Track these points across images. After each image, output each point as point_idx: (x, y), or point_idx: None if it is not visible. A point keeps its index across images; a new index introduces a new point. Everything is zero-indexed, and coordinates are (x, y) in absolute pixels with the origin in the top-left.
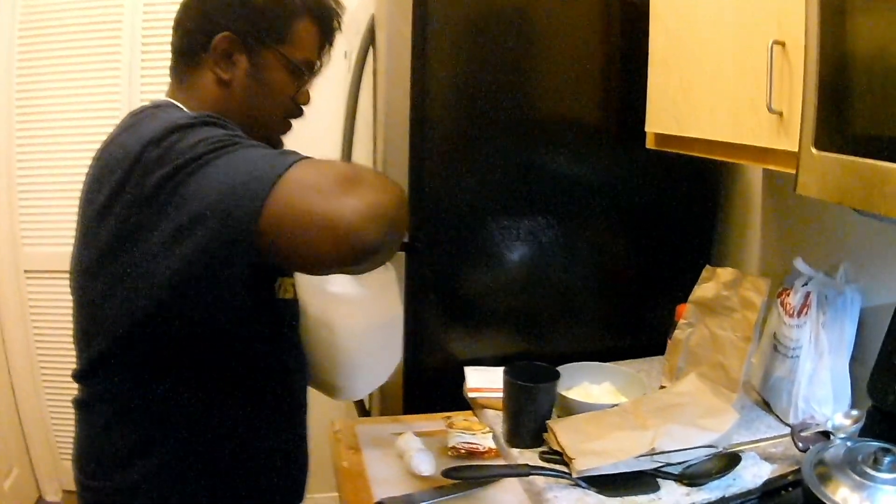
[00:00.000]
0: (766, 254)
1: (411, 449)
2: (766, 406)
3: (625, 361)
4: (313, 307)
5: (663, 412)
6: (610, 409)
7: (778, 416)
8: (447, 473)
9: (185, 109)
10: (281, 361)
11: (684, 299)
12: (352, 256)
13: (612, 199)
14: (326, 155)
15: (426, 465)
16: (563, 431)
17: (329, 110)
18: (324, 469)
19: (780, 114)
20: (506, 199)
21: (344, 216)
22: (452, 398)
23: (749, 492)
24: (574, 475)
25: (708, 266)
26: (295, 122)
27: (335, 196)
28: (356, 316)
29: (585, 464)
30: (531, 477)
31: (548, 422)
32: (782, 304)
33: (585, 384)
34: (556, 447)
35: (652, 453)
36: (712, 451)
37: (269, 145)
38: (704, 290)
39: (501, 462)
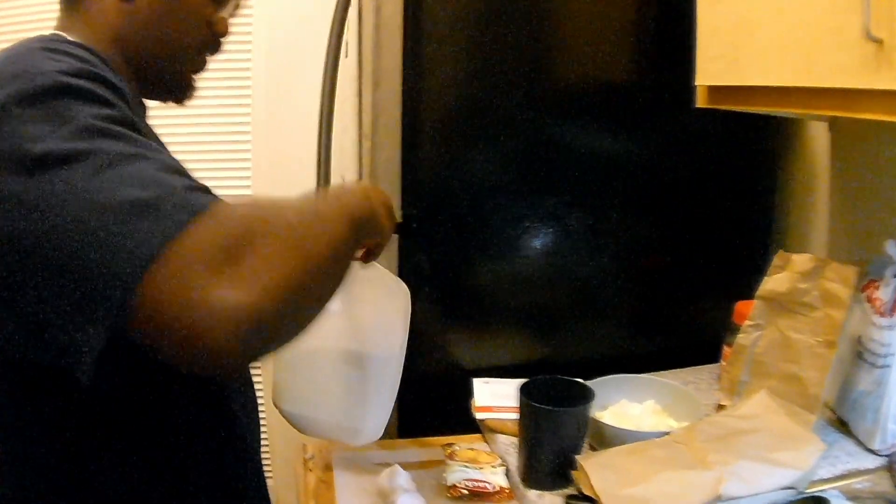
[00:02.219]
0: (834, 237)
1: (396, 489)
2: (843, 427)
3: (668, 372)
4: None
5: (727, 443)
6: (657, 438)
7: (859, 441)
8: None
9: (71, 43)
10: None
11: (741, 294)
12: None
13: (648, 175)
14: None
15: None
16: (596, 470)
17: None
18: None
19: (881, 42)
20: (519, 177)
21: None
22: (457, 417)
23: None
24: None
25: (781, 251)
26: (274, 87)
27: (211, 283)
28: (377, 339)
29: None
30: None
31: (577, 457)
32: (868, 299)
33: (623, 402)
34: (587, 491)
35: (716, 501)
36: (791, 494)
37: (179, 90)
38: (776, 282)
39: None
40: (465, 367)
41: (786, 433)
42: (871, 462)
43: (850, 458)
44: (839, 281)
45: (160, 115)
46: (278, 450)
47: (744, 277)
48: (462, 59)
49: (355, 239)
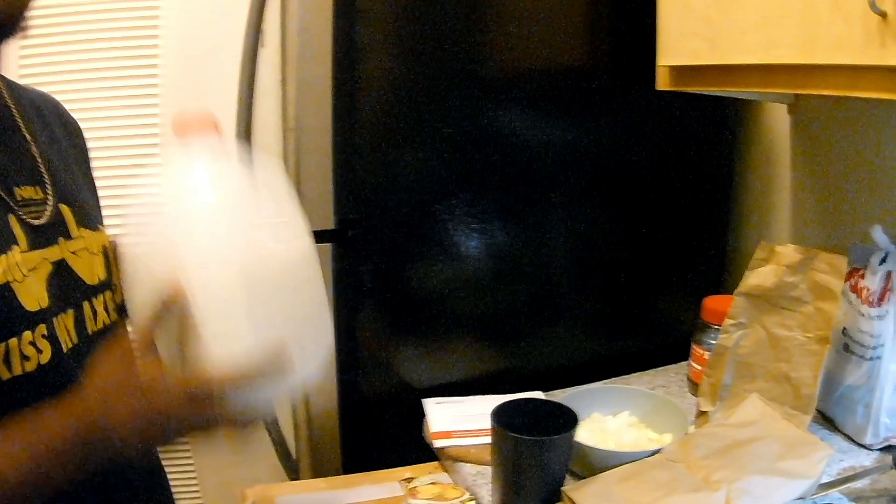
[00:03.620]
0: (797, 223)
1: None
2: (828, 423)
3: (633, 375)
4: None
5: (730, 458)
6: (650, 458)
7: (849, 437)
8: None
9: None
10: None
11: (705, 289)
12: None
13: (601, 165)
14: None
15: None
16: (592, 503)
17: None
18: None
19: (884, 15)
20: (466, 172)
21: None
22: (410, 444)
23: None
24: None
25: (763, 243)
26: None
27: None
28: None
29: None
30: None
31: (565, 490)
32: (854, 289)
33: (596, 416)
34: None
35: None
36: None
37: None
38: (760, 276)
39: None
40: (416, 386)
41: (789, 440)
42: (867, 458)
43: (844, 455)
44: (830, 272)
45: None
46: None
47: (706, 271)
48: (400, 42)
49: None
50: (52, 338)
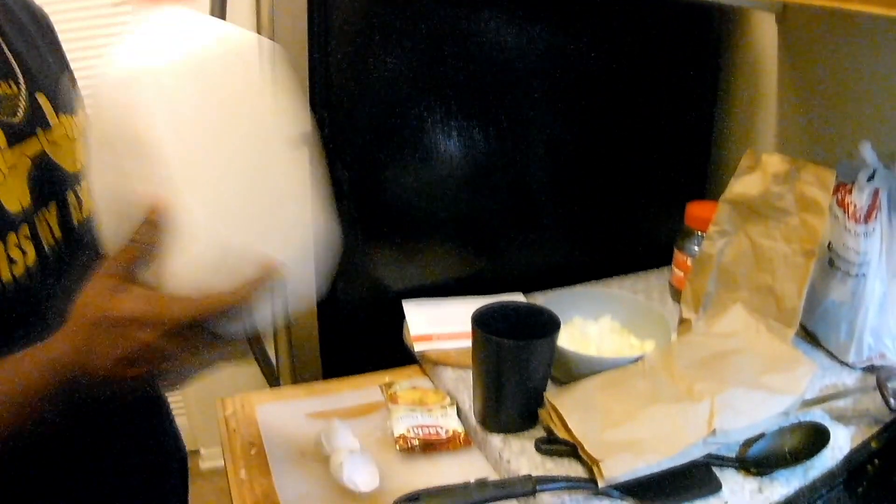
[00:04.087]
0: (783, 135)
1: (340, 450)
2: (811, 338)
3: (614, 279)
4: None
5: (712, 369)
6: (631, 366)
7: (831, 353)
8: None
9: None
10: None
11: (686, 195)
12: None
13: (581, 69)
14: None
15: (364, 475)
16: (572, 410)
17: None
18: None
19: None
20: (439, 77)
21: None
22: (389, 348)
23: (832, 475)
24: (602, 484)
25: (750, 150)
26: None
27: None
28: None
29: (618, 468)
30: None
31: (546, 395)
32: (841, 204)
33: (577, 320)
34: (561, 433)
35: (711, 436)
36: (783, 420)
37: None
38: (746, 184)
39: (474, 451)
40: (394, 289)
41: (773, 354)
42: (849, 377)
43: (826, 372)
44: (817, 185)
45: None
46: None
47: (689, 178)
48: None
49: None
50: (36, 238)
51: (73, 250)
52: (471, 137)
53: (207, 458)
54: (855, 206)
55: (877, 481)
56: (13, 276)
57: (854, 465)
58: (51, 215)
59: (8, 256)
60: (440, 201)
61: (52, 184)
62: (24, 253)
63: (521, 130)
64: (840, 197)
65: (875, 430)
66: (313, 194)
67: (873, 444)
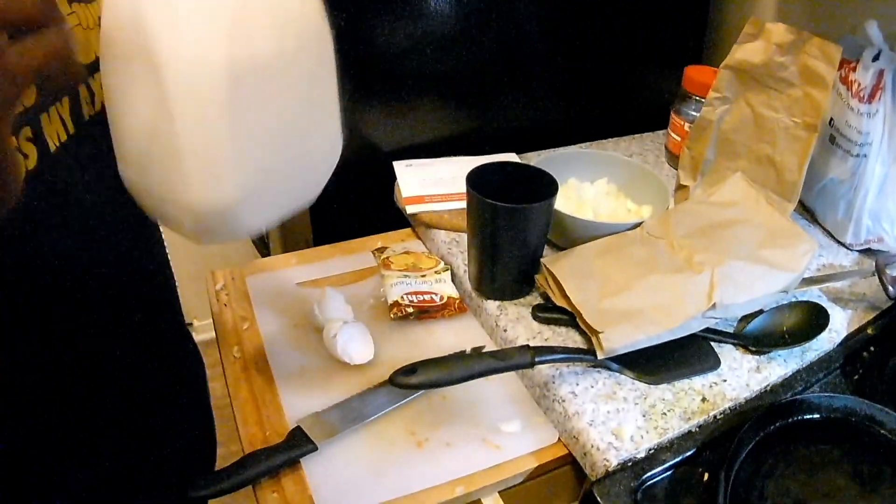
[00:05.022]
0: (785, 9)
1: (333, 321)
2: (809, 215)
3: (609, 141)
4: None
5: (712, 239)
6: (630, 232)
7: (829, 232)
8: (397, 379)
9: None
10: None
11: (684, 59)
12: None
13: None
14: None
15: (359, 346)
16: (570, 277)
17: None
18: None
19: None
20: None
21: None
22: (379, 211)
23: (829, 359)
24: (601, 355)
25: (754, 18)
26: None
27: None
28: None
29: (618, 340)
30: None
31: (543, 261)
32: (845, 81)
33: (572, 182)
34: (558, 301)
35: (710, 309)
36: (782, 297)
37: None
38: (748, 51)
39: (469, 317)
40: (384, 149)
41: (773, 227)
42: (845, 258)
43: (824, 251)
44: (822, 59)
45: None
46: (185, 281)
47: (685, 40)
48: None
49: None
50: (40, 138)
51: (86, 141)
52: None
53: (200, 330)
54: (859, 84)
55: (872, 368)
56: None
57: (850, 351)
58: (63, 109)
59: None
60: (429, 56)
61: (63, 77)
62: (25, 157)
63: None
64: (843, 73)
65: (871, 315)
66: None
67: (869, 331)
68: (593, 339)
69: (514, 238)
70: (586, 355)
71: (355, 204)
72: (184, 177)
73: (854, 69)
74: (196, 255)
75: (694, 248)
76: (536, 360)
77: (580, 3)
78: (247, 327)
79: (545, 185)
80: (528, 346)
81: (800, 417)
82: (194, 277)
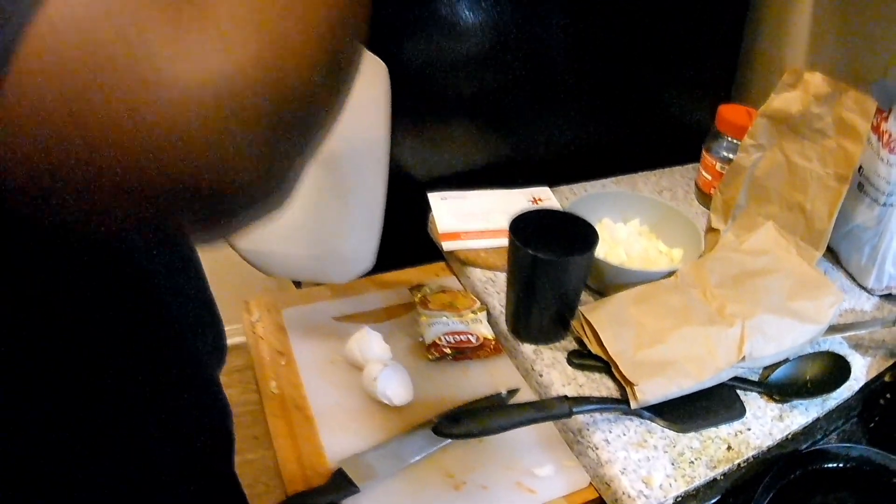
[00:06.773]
0: (816, 46)
1: (373, 362)
2: (833, 256)
3: (638, 175)
4: None
5: (743, 289)
6: (665, 280)
7: (850, 274)
8: (442, 429)
9: None
10: None
11: (713, 93)
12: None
13: None
14: None
15: (399, 388)
16: (607, 327)
17: None
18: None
19: None
20: None
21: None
22: (414, 240)
23: (848, 407)
24: (634, 405)
25: (793, 68)
26: None
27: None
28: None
29: (652, 392)
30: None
31: (581, 310)
32: (876, 130)
33: (607, 222)
34: (594, 349)
35: (741, 362)
36: (807, 348)
37: None
38: (786, 101)
39: (504, 358)
40: (417, 178)
41: (801, 277)
42: (867, 302)
43: (846, 295)
44: (857, 112)
45: None
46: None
47: (715, 75)
48: None
49: None
50: None
51: None
52: (491, 11)
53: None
54: (890, 134)
55: (888, 416)
56: None
57: (868, 398)
58: None
59: None
60: (463, 79)
61: None
62: None
63: (542, 5)
64: (875, 122)
65: (890, 361)
66: None
67: (887, 378)
68: (628, 390)
69: (553, 287)
70: (620, 405)
71: (387, 233)
72: None
73: (886, 119)
74: (228, 280)
75: (726, 297)
76: (574, 410)
77: (612, 32)
78: (284, 363)
79: (585, 234)
80: (566, 396)
81: (819, 466)
82: (226, 304)
